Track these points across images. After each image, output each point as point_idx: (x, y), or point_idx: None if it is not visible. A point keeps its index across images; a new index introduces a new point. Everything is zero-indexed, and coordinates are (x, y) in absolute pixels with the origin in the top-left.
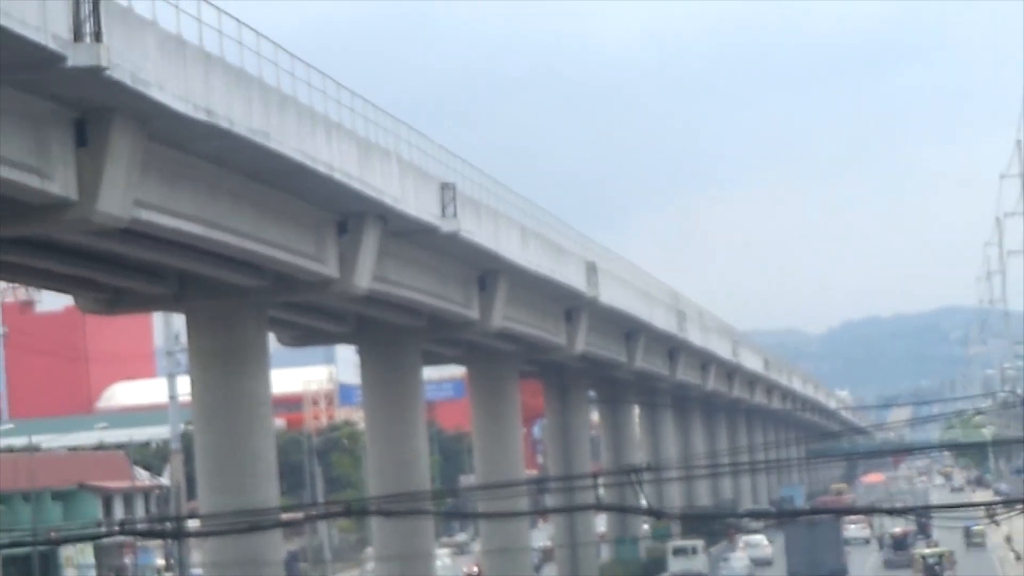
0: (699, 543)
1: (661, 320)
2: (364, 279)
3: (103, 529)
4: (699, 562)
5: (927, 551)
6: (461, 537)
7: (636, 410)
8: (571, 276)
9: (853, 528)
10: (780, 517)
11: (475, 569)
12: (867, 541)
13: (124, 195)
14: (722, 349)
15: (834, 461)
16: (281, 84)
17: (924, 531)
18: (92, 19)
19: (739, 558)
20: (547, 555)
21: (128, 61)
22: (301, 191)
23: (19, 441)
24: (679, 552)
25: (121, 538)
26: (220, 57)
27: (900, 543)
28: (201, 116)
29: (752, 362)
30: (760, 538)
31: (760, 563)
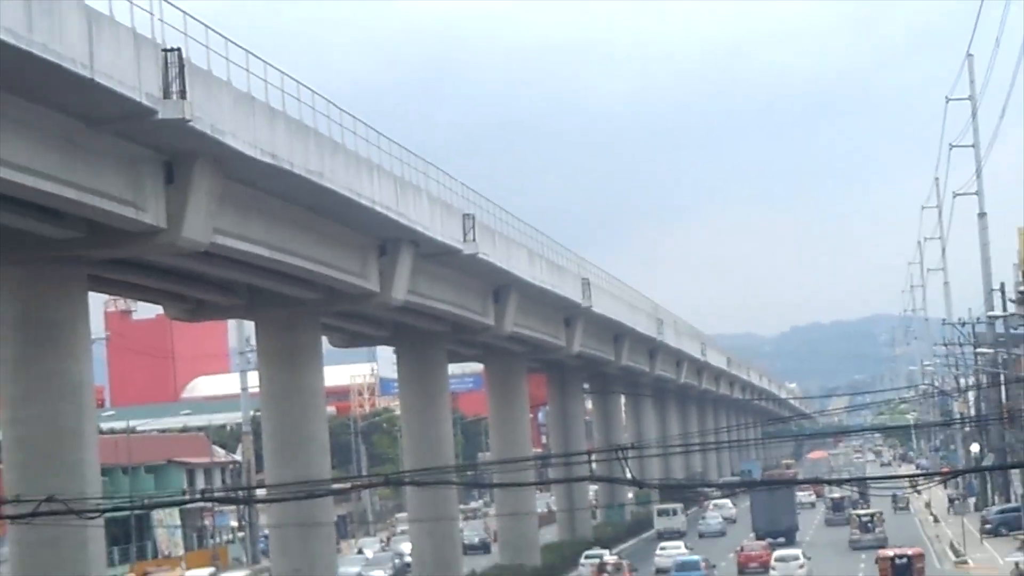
0: (679, 506)
1: (643, 326)
2: (400, 292)
3: (187, 496)
4: (678, 521)
5: (861, 511)
6: (476, 504)
7: (622, 399)
8: (569, 290)
9: (802, 495)
10: (742, 487)
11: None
12: (813, 504)
13: (204, 224)
14: (693, 349)
15: (784, 441)
16: (332, 132)
17: (863, 497)
18: (178, 80)
19: (714, 516)
20: (549, 517)
21: (207, 114)
22: (349, 220)
23: (119, 424)
24: (662, 513)
25: (202, 503)
26: (282, 111)
27: (838, 506)
28: (267, 159)
29: (717, 360)
30: (726, 502)
31: (728, 521)
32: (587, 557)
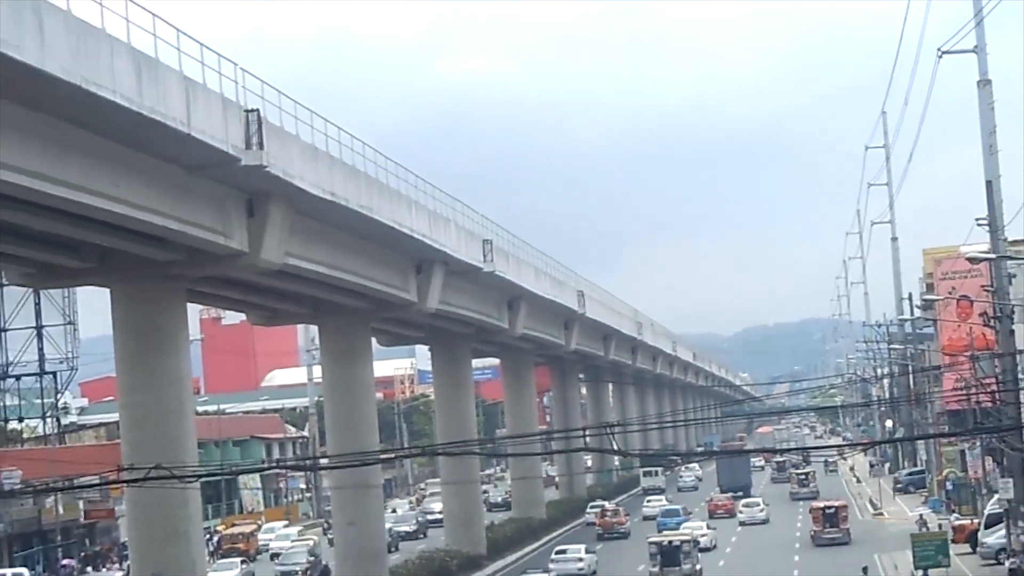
0: (660, 469)
1: (626, 328)
2: (433, 302)
3: (265, 464)
4: (660, 480)
5: (799, 471)
6: (491, 470)
7: (610, 387)
8: (567, 299)
9: (754, 460)
10: (709, 455)
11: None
12: (762, 468)
13: (278, 248)
14: (666, 346)
15: (738, 418)
16: (378, 174)
17: (805, 460)
18: (257, 134)
19: (688, 475)
20: (551, 481)
21: (280, 161)
22: (392, 244)
23: (211, 408)
24: (647, 474)
25: (277, 470)
26: (339, 158)
27: (781, 468)
28: (328, 197)
29: (685, 355)
30: (695, 466)
31: (697, 479)
32: (592, 507)
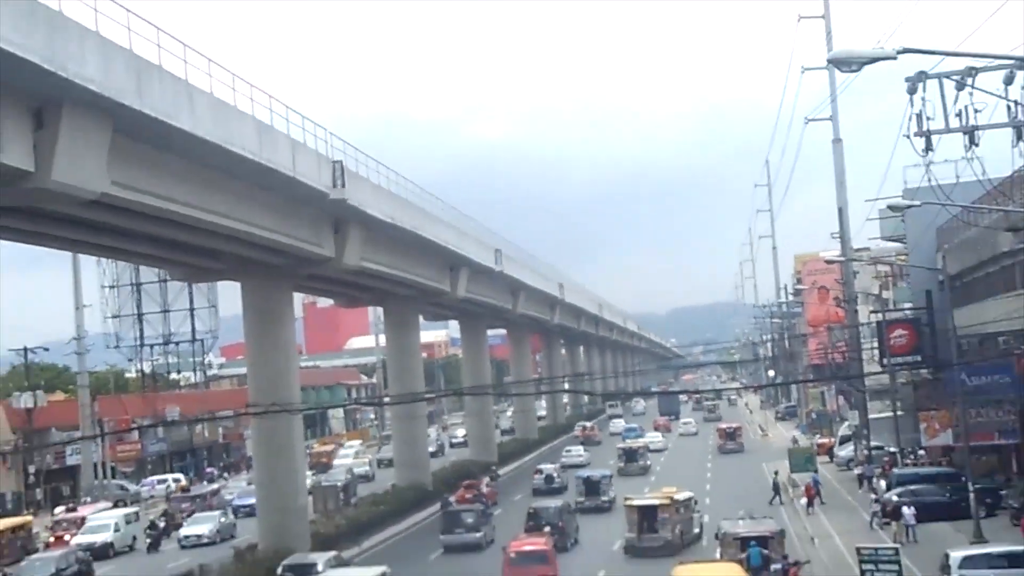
0: (618, 402)
1: (592, 309)
2: (462, 292)
3: (346, 402)
4: (619, 409)
5: (708, 402)
6: (498, 407)
7: (581, 348)
8: (553, 289)
9: (681, 397)
10: (649, 395)
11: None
12: (686, 401)
13: (358, 255)
14: (619, 321)
15: (669, 369)
16: (424, 204)
17: (718, 397)
18: (340, 178)
19: (638, 406)
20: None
21: (356, 196)
22: (434, 252)
23: (310, 364)
24: (611, 406)
25: (354, 406)
26: (396, 194)
27: (698, 402)
28: (388, 220)
29: (632, 327)
30: (641, 400)
31: (644, 408)
32: (578, 425)
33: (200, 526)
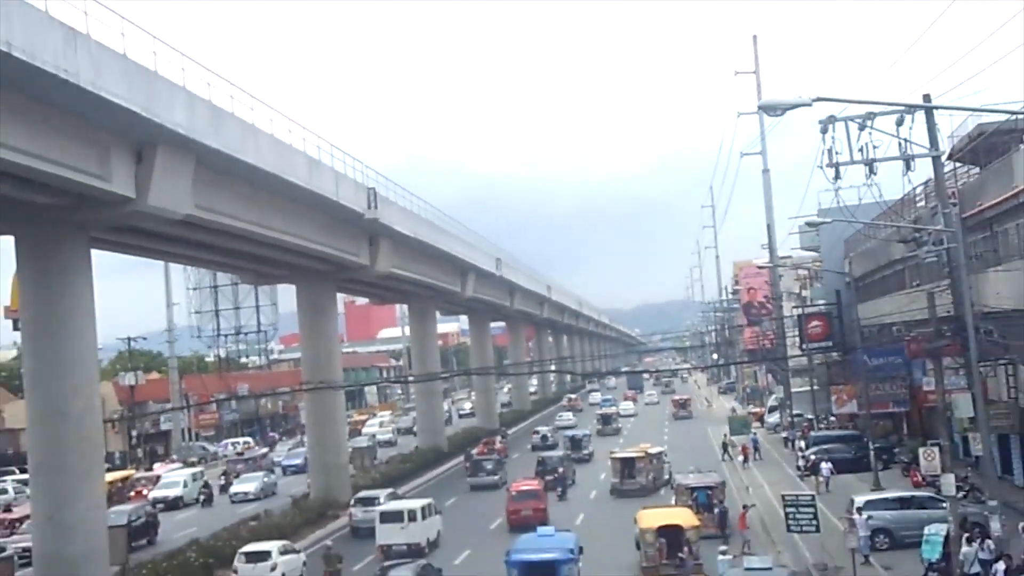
0: (595, 380)
1: (574, 305)
2: (469, 292)
3: (379, 380)
4: (596, 385)
5: (666, 379)
6: (498, 385)
7: (565, 337)
8: (542, 290)
9: (645, 375)
10: (620, 374)
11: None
12: (647, 379)
13: (388, 263)
14: (596, 315)
15: (634, 353)
16: (443, 224)
17: (673, 375)
18: (373, 201)
19: (610, 382)
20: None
21: (386, 216)
22: (448, 260)
23: (349, 349)
24: (591, 382)
25: (386, 383)
26: (418, 214)
27: (658, 379)
28: (412, 235)
29: (606, 320)
30: (612, 378)
31: (614, 384)
32: (567, 396)
33: (247, 484)
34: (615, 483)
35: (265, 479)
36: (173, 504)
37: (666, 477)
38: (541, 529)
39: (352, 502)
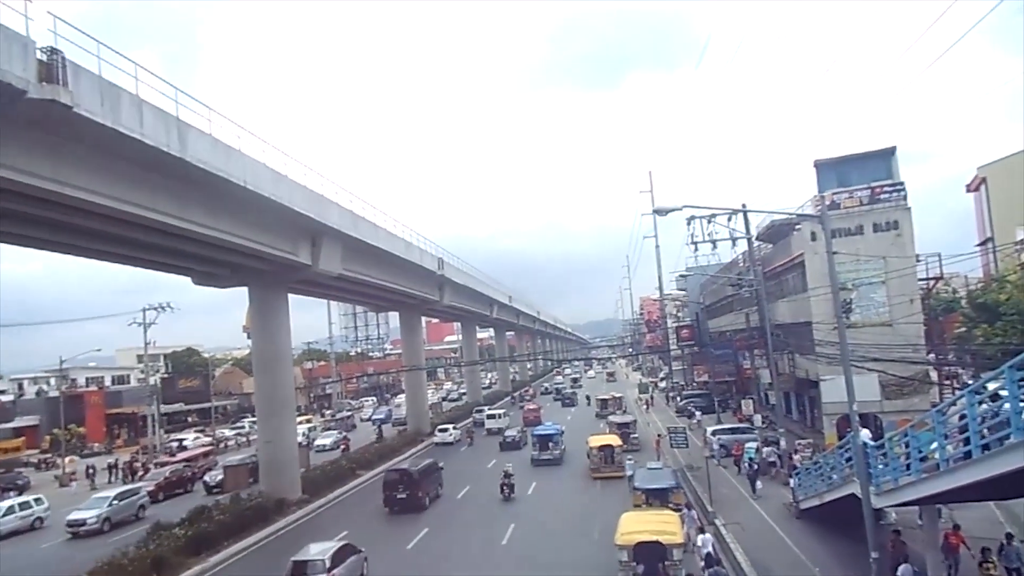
0: (560, 364)
1: (551, 320)
2: (448, 300)
3: (446, 362)
4: (567, 371)
5: (603, 363)
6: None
7: (547, 339)
8: (520, 306)
9: (593, 362)
10: (578, 359)
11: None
12: (594, 364)
13: (449, 300)
14: (551, 320)
15: (585, 348)
16: (478, 275)
17: (608, 361)
18: (442, 265)
19: (567, 369)
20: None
21: (449, 273)
22: (483, 299)
23: (427, 348)
24: (557, 366)
25: (450, 365)
26: (466, 271)
27: (610, 374)
28: (463, 283)
29: (561, 325)
30: (570, 364)
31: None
32: (555, 370)
33: (325, 439)
34: (597, 411)
35: (337, 435)
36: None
37: (623, 409)
38: (545, 423)
39: (474, 411)
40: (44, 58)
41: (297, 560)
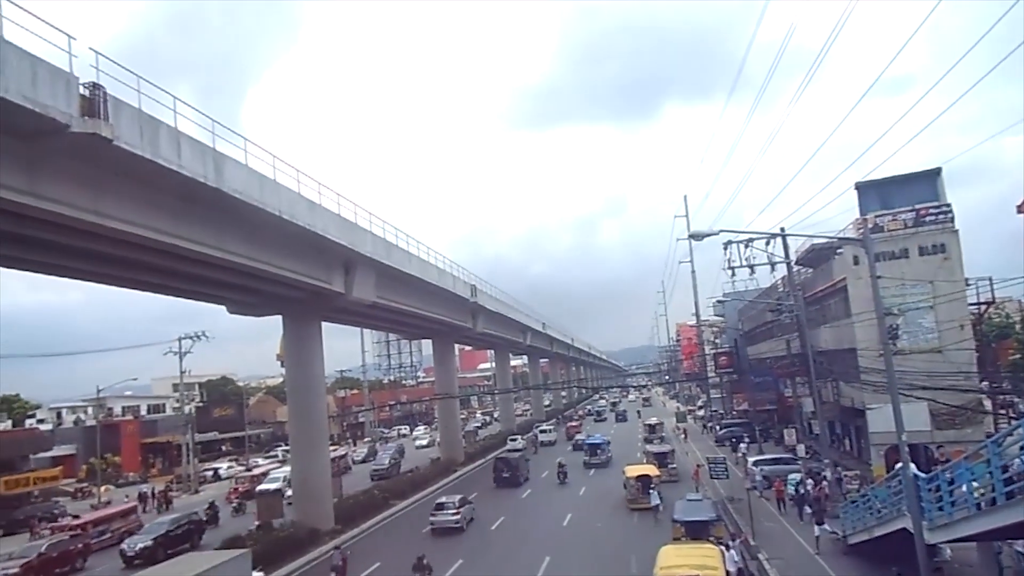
0: (598, 392)
1: (585, 347)
2: (480, 328)
3: (480, 390)
4: (597, 400)
5: (643, 398)
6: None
7: (573, 367)
8: (568, 337)
9: (630, 388)
10: (616, 387)
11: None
12: (630, 390)
13: (482, 328)
14: (586, 347)
15: (620, 377)
16: (478, 283)
17: (644, 388)
18: (474, 292)
19: (607, 395)
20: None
21: (482, 301)
22: (516, 326)
23: (461, 375)
24: (595, 392)
25: (489, 393)
26: (498, 298)
27: (645, 400)
28: (497, 311)
29: (595, 352)
30: (607, 392)
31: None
32: (600, 395)
33: (384, 456)
34: (645, 436)
35: (386, 458)
36: (344, 467)
37: (663, 435)
38: (593, 435)
39: (463, 460)
40: (87, 93)
41: (438, 502)
